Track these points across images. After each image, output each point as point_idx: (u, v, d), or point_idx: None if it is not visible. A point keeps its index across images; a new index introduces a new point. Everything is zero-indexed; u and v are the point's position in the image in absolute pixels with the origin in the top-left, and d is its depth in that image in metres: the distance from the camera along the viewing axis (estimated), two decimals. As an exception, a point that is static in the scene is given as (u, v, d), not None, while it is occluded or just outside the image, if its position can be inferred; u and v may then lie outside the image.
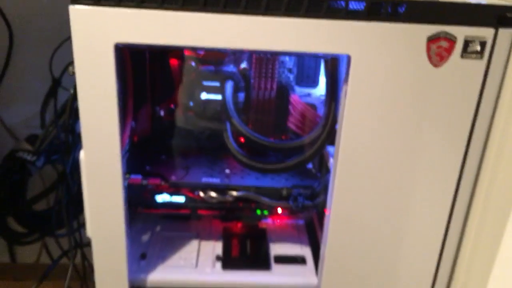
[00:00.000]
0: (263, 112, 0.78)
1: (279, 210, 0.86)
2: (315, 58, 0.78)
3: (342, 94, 0.59)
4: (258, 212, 0.85)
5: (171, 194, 0.74)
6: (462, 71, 0.56)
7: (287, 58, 0.78)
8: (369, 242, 0.66)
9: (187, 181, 0.73)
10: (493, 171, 0.60)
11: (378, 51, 0.55)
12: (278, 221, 0.87)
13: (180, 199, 0.74)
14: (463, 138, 0.60)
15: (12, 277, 1.00)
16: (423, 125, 0.59)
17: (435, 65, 0.55)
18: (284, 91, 0.78)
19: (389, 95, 0.57)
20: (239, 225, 0.85)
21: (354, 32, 0.54)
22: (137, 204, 0.84)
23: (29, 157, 0.80)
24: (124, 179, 0.65)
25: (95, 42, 0.53)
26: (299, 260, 0.76)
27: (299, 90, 0.81)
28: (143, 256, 0.74)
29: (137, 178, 0.71)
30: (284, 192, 0.72)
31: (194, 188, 0.72)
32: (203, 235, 0.81)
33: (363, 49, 0.54)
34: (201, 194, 0.71)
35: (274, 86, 0.77)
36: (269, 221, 0.86)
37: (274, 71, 0.76)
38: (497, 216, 0.59)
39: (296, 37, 0.54)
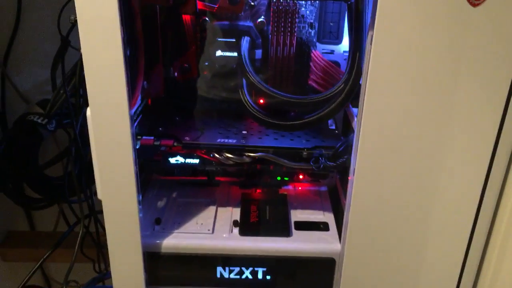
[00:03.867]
0: (282, 70, 0.73)
1: (300, 177, 0.82)
2: (338, 9, 0.72)
3: (367, 43, 0.54)
4: (279, 178, 0.81)
5: (185, 156, 0.70)
6: (505, 10, 0.49)
7: (307, 12, 0.72)
8: (394, 208, 0.61)
9: (201, 142, 0.69)
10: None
11: (408, -10, 0.49)
12: (300, 188, 0.83)
13: (194, 161, 0.70)
14: (504, 91, 0.54)
15: (30, 244, 1.00)
16: (460, 76, 0.53)
17: (473, 3, 0.49)
18: (305, 48, 0.73)
19: (420, 41, 0.51)
20: (259, 191, 0.81)
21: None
22: (151, 168, 0.82)
23: (39, 120, 0.78)
24: (135, 140, 0.62)
25: (96, -16, 0.49)
26: (321, 226, 0.72)
27: (321, 47, 0.76)
28: (157, 222, 0.71)
29: (149, 139, 0.68)
30: (305, 153, 0.67)
31: (209, 149, 0.68)
32: (221, 202, 0.78)
33: (392, -13, 0.49)
34: (216, 155, 0.67)
35: (294, 42, 0.72)
36: (290, 188, 0.83)
37: (293, 25, 0.70)
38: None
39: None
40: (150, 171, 0.83)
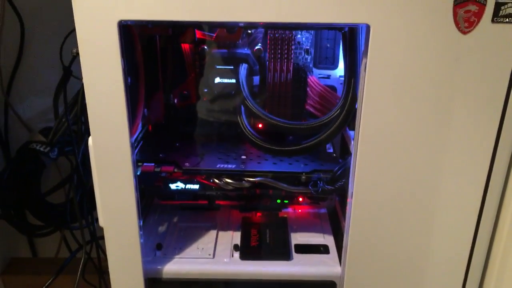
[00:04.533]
0: (280, 95, 0.74)
1: (300, 199, 0.82)
2: (333, 35, 0.74)
3: (361, 69, 0.55)
4: (278, 201, 0.82)
5: (186, 182, 0.71)
6: (493, 37, 0.51)
7: (303, 38, 0.74)
8: (394, 229, 0.61)
9: (201, 167, 0.70)
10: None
11: (399, 19, 0.50)
12: (300, 210, 0.84)
13: (194, 187, 0.71)
14: (497, 113, 0.55)
15: (32, 271, 1.00)
16: (452, 100, 0.54)
17: (463, 32, 0.50)
18: (301, 73, 0.74)
19: (413, 67, 0.53)
20: (259, 215, 0.82)
21: (372, -1, 0.50)
22: (152, 194, 0.82)
23: (42, 148, 0.79)
24: (136, 167, 0.62)
25: (98, 19, 0.50)
26: (321, 249, 0.73)
27: (318, 72, 0.78)
28: (158, 247, 0.71)
29: (150, 166, 0.69)
30: (303, 177, 0.68)
31: (209, 174, 0.69)
32: (221, 226, 0.78)
33: (383, 17, 0.50)
34: (216, 180, 0.68)
35: (291, 68, 0.73)
36: (290, 210, 0.83)
37: (290, 52, 0.72)
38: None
39: (311, 6, 0.50)
40: (151, 196, 0.84)
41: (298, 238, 0.76)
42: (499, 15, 0.50)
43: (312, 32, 0.74)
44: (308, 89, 0.72)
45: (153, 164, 0.69)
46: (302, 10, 0.50)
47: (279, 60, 0.72)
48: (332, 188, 0.66)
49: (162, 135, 0.80)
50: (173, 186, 0.71)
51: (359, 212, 0.61)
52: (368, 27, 0.51)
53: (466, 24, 0.50)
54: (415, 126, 0.56)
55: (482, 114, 0.55)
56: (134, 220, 0.62)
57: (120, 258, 0.64)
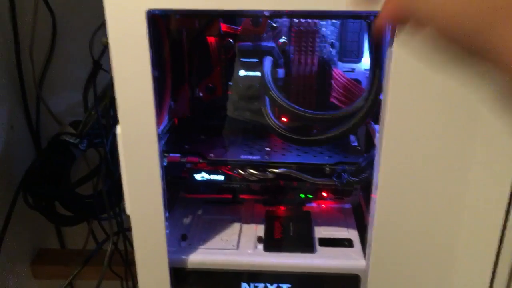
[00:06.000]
0: (305, 89, 0.74)
1: (324, 194, 0.82)
2: (358, 28, 0.74)
3: (387, 60, 0.55)
4: (302, 196, 0.82)
5: (210, 173, 0.72)
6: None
7: (328, 32, 0.74)
8: (419, 224, 0.61)
9: (225, 158, 0.71)
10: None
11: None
12: (324, 205, 0.84)
13: (219, 178, 0.72)
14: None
15: (60, 261, 1.03)
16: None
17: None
18: (326, 66, 0.74)
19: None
20: (282, 209, 0.82)
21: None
22: (178, 185, 0.83)
23: (72, 140, 0.81)
24: (163, 157, 0.64)
25: (126, 8, 0.52)
26: (345, 243, 0.72)
27: (342, 66, 0.78)
28: (183, 238, 0.73)
29: (175, 156, 0.70)
30: (328, 169, 0.68)
31: (233, 165, 0.69)
32: (245, 219, 0.79)
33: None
34: (240, 171, 0.68)
35: (315, 61, 0.73)
36: (314, 205, 0.83)
37: (314, 45, 0.72)
38: None
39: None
40: (177, 189, 0.85)
41: (321, 232, 0.75)
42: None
43: (337, 25, 0.74)
44: (332, 81, 0.72)
45: (178, 155, 0.70)
46: (327, -1, 0.51)
47: (303, 53, 0.73)
48: (357, 179, 0.66)
49: (188, 128, 0.81)
50: (198, 177, 0.72)
51: (383, 206, 0.60)
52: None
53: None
54: (442, 120, 0.55)
55: None
56: (160, 210, 0.63)
57: (145, 246, 0.65)
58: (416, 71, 0.53)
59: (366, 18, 0.61)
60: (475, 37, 0.30)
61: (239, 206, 0.83)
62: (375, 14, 0.40)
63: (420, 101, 0.54)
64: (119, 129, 0.59)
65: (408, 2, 0.34)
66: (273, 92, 0.64)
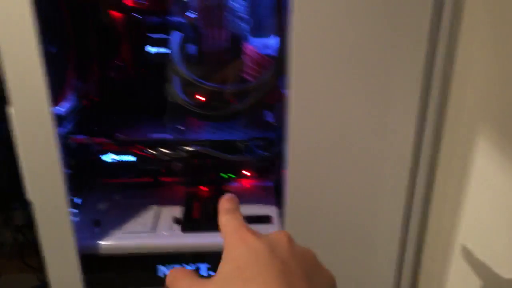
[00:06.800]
0: (217, 63, 0.73)
1: (247, 173, 0.81)
2: (269, 3, 0.73)
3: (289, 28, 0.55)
4: (224, 175, 0.80)
5: (119, 153, 0.69)
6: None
7: (237, 5, 0.72)
8: (331, 195, 0.62)
9: (133, 138, 0.68)
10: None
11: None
12: (246, 184, 0.83)
13: (131, 159, 0.69)
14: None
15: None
16: (383, 47, 0.54)
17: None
18: (237, 41, 0.73)
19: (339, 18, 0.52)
20: (204, 189, 0.80)
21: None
22: (93, 170, 0.80)
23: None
24: (65, 139, 0.60)
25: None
26: (264, 220, 0.72)
27: (257, 42, 0.76)
28: (97, 224, 0.69)
29: (80, 138, 0.66)
30: (241, 145, 0.67)
31: (143, 145, 0.67)
32: (164, 201, 0.77)
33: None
34: (151, 151, 0.66)
35: (226, 36, 0.72)
36: (236, 184, 0.82)
37: (222, 18, 0.70)
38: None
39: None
40: (92, 174, 0.81)
41: (242, 210, 0.74)
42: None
43: (247, -1, 0.73)
44: (244, 57, 0.71)
45: (85, 136, 0.67)
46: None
47: (212, 27, 0.71)
48: (270, 154, 0.66)
49: (100, 109, 0.77)
50: (107, 159, 0.69)
51: (294, 178, 0.60)
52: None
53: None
54: (345, 78, 0.55)
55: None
56: (62, 194, 0.59)
57: (50, 233, 0.62)
58: (315, 39, 0.53)
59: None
60: None
61: (160, 189, 0.81)
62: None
63: (321, 65, 0.55)
64: (12, 110, 0.55)
65: None
66: (178, 67, 0.62)
